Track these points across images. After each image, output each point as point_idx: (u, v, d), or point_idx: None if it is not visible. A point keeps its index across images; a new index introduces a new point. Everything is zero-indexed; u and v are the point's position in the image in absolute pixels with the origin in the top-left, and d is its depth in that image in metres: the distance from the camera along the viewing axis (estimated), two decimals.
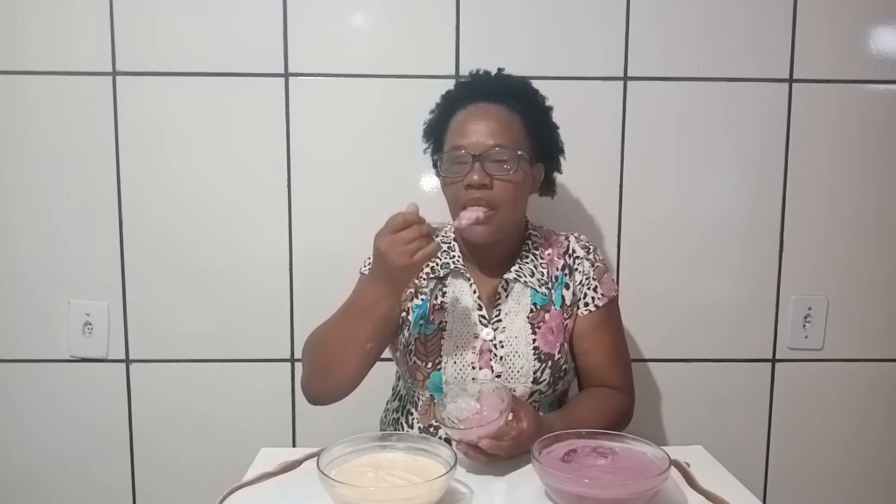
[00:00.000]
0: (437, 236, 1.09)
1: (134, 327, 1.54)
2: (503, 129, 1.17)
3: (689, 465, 1.06)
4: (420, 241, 1.04)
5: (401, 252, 1.03)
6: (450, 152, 1.19)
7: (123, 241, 1.52)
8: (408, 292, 1.25)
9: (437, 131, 1.27)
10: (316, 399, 1.20)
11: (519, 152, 1.17)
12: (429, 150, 1.31)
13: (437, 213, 1.34)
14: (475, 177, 1.14)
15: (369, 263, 1.26)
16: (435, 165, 1.27)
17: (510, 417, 1.03)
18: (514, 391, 1.17)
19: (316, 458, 0.93)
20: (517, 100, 1.22)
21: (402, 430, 1.26)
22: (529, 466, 0.99)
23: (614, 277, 1.33)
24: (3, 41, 1.46)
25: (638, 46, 1.50)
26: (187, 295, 1.53)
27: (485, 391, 1.06)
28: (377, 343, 1.14)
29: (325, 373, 1.16)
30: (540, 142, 1.24)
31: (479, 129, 1.17)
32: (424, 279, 1.25)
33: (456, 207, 1.20)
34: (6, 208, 1.50)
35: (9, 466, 1.56)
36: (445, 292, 1.24)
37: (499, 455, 1.02)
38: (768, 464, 1.62)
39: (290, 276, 1.53)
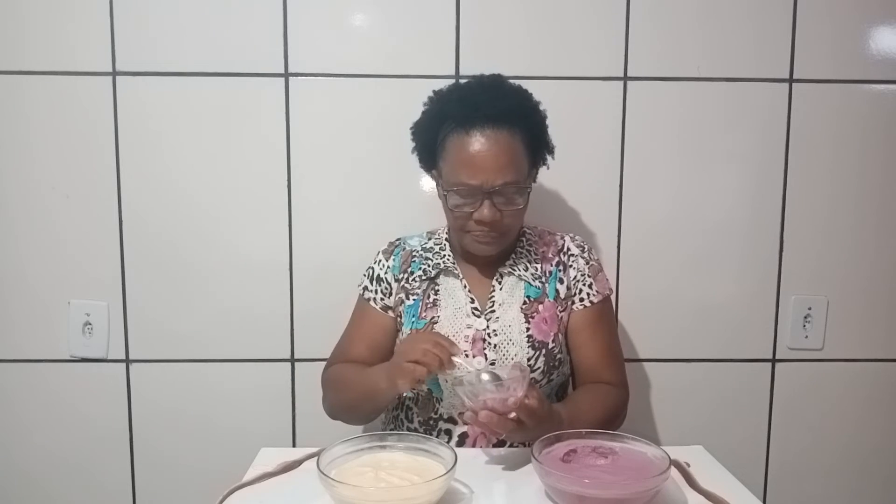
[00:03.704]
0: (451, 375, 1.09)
1: (134, 327, 1.54)
2: (510, 161, 1.16)
3: (689, 465, 1.06)
4: (418, 371, 1.06)
5: (407, 363, 1.07)
6: (458, 189, 1.17)
7: (123, 241, 1.52)
8: (399, 297, 1.28)
9: (428, 141, 1.24)
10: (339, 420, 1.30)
11: (528, 189, 1.19)
12: (415, 150, 1.29)
13: (434, 213, 1.34)
14: (486, 212, 1.16)
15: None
16: (429, 172, 1.29)
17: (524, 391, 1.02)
18: None
19: (316, 458, 0.93)
20: (518, 116, 1.18)
21: (402, 425, 1.28)
22: (529, 466, 1.00)
23: (608, 277, 1.34)
24: (3, 41, 1.46)
25: (638, 46, 1.50)
26: (187, 295, 1.53)
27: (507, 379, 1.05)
28: (381, 413, 1.29)
29: (344, 415, 1.28)
30: (537, 151, 1.24)
31: (487, 166, 1.14)
32: (417, 281, 1.27)
33: (461, 234, 1.22)
34: (6, 208, 1.50)
35: (9, 466, 1.56)
36: (438, 290, 1.26)
37: (516, 424, 1.01)
38: (768, 464, 1.62)
39: (290, 275, 1.53)
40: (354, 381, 1.22)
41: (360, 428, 1.36)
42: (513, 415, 1.00)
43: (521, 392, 1.00)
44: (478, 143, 1.15)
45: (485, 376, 1.03)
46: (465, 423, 1.10)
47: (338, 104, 1.50)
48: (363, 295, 1.32)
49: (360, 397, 1.20)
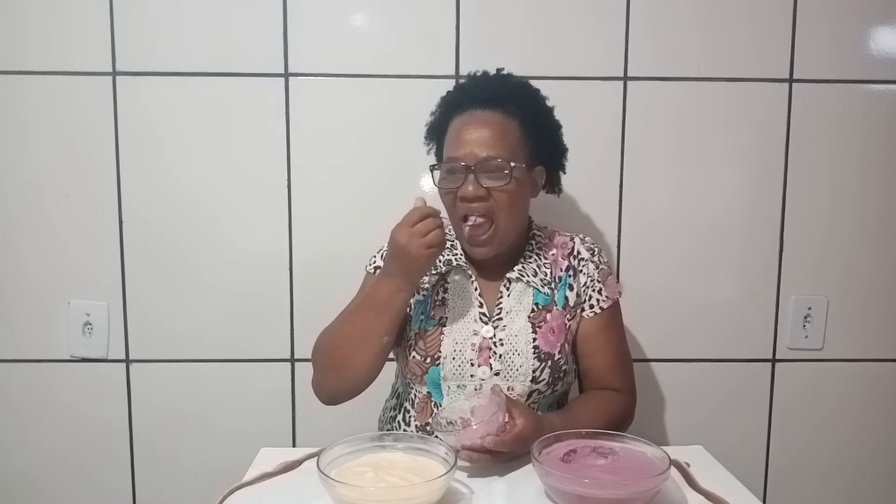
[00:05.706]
0: (446, 230, 1.12)
1: (134, 327, 1.54)
2: (497, 138, 1.16)
3: (689, 465, 1.06)
4: (436, 232, 1.10)
5: (420, 244, 1.09)
6: (444, 163, 1.20)
7: (123, 241, 1.52)
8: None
9: (437, 135, 1.27)
10: (331, 398, 1.22)
11: (513, 163, 1.15)
12: (432, 151, 1.31)
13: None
14: (469, 188, 1.15)
15: (375, 262, 1.28)
16: (432, 173, 1.28)
17: (505, 419, 1.03)
18: (512, 390, 1.17)
19: (316, 458, 0.93)
20: (516, 103, 1.19)
21: (400, 428, 1.26)
22: (529, 466, 0.99)
23: (617, 280, 1.33)
24: (3, 41, 1.46)
25: (638, 46, 1.50)
26: (187, 295, 1.53)
27: (480, 401, 1.07)
28: (392, 335, 1.18)
29: (340, 370, 1.19)
30: (540, 144, 1.23)
31: (472, 140, 1.15)
32: (427, 275, 1.25)
33: (454, 218, 1.21)
34: (6, 208, 1.50)
35: (9, 466, 1.56)
36: (447, 288, 1.25)
37: (500, 452, 1.02)
38: (768, 464, 1.62)
39: (290, 275, 1.53)
40: (346, 315, 1.19)
41: (360, 428, 1.35)
42: (468, 453, 1.00)
43: (494, 427, 1.00)
44: (467, 121, 1.18)
45: (457, 418, 1.05)
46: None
47: (338, 104, 1.50)
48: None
49: (355, 334, 1.16)
